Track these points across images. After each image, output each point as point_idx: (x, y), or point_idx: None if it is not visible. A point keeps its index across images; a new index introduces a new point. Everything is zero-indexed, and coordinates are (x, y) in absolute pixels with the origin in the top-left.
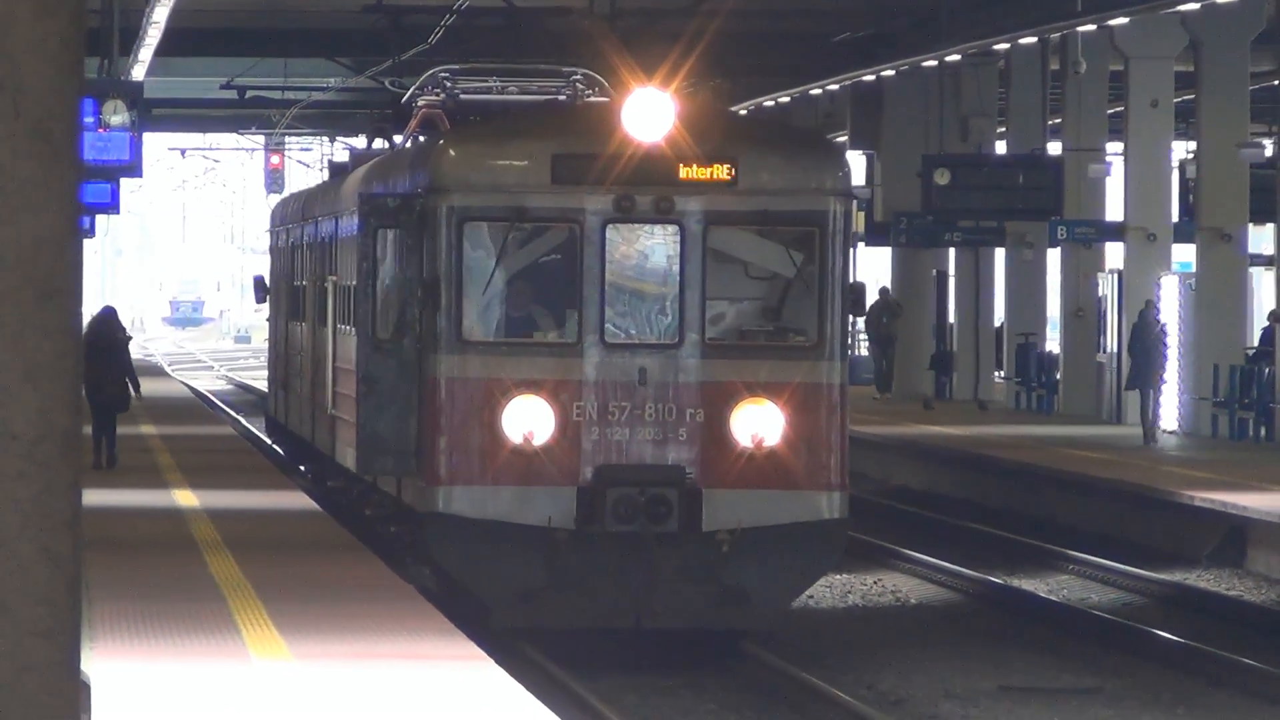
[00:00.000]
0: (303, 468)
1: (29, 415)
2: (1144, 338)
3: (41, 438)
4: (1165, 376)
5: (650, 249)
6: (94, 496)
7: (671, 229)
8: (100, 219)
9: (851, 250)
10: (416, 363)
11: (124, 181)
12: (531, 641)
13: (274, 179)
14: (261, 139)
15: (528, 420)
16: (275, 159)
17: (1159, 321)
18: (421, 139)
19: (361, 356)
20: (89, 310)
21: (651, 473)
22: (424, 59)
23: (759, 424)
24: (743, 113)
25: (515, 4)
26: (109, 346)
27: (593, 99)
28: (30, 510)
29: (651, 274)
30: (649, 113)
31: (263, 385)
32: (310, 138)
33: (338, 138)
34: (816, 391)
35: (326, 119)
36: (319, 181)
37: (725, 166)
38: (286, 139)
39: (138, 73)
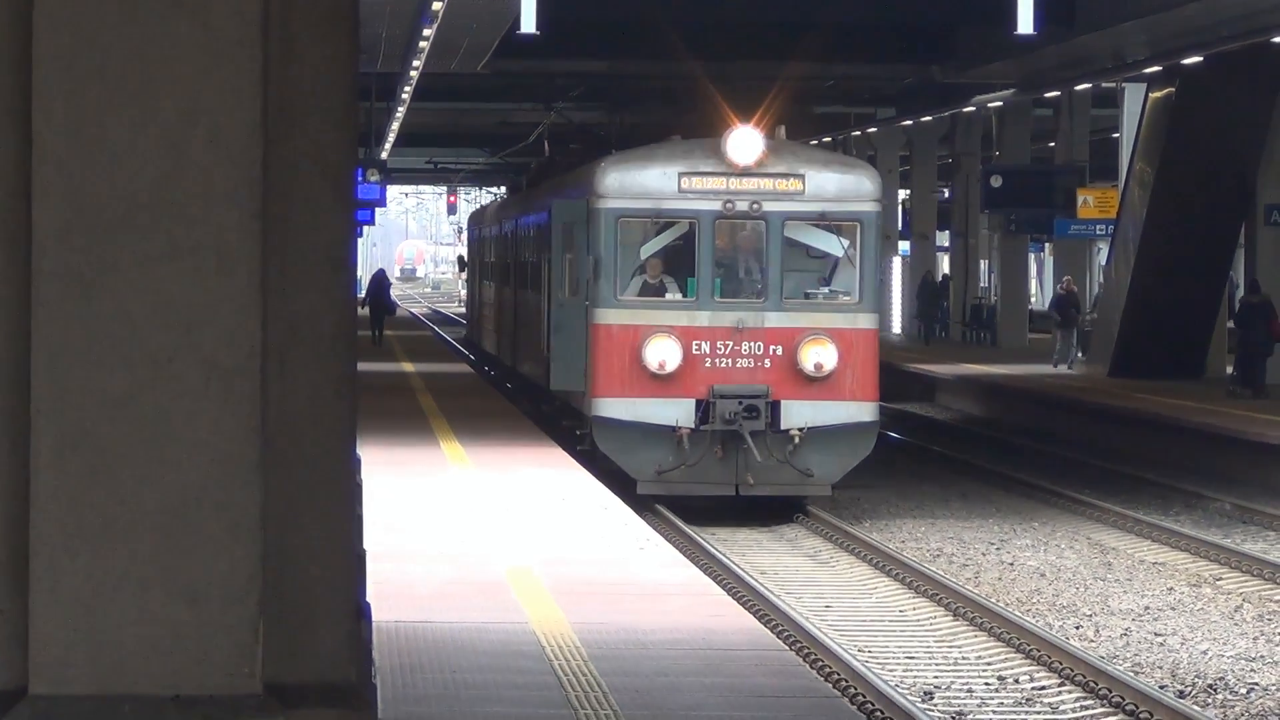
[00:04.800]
0: (486, 367)
1: (330, 326)
2: (926, 291)
3: (336, 335)
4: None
5: (745, 237)
6: (367, 364)
7: (759, 223)
8: (366, 229)
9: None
10: (585, 313)
11: (377, 210)
12: (663, 503)
13: (451, 208)
14: (445, 188)
15: (662, 353)
16: (451, 198)
17: (935, 282)
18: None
19: (552, 310)
20: (365, 272)
21: (747, 389)
22: (528, 148)
23: (819, 356)
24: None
25: (574, 121)
26: (380, 287)
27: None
28: (329, 371)
29: (746, 254)
30: (745, 144)
31: (447, 311)
32: (471, 188)
33: (485, 188)
34: (858, 334)
35: (477, 177)
36: (498, 199)
37: (796, 181)
38: (458, 188)
39: (384, 154)
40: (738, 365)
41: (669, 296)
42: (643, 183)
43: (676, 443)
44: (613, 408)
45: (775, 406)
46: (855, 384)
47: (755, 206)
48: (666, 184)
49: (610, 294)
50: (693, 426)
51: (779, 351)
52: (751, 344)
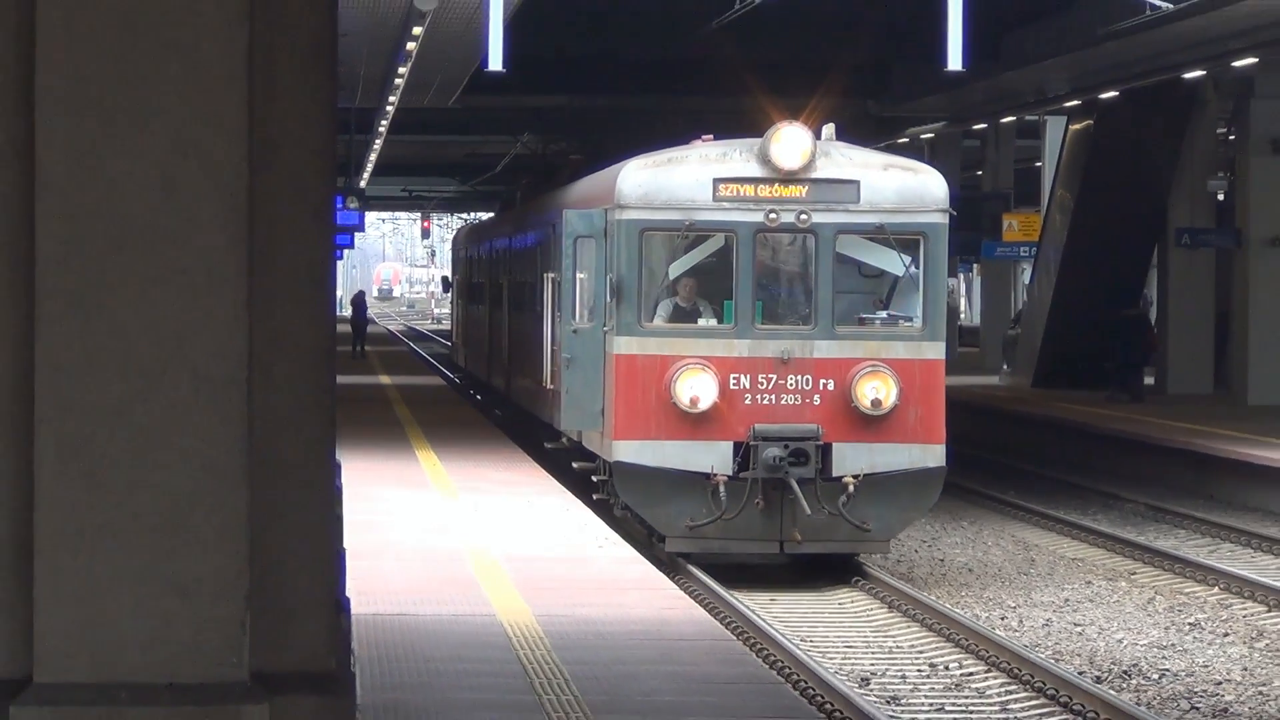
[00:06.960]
0: (472, 391)
1: (311, 340)
2: None
3: (317, 349)
4: None
5: (791, 253)
6: (347, 377)
7: (808, 237)
8: (346, 252)
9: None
10: (603, 342)
11: (356, 235)
12: (694, 562)
13: (425, 233)
14: (419, 214)
15: (695, 388)
16: (425, 223)
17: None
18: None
19: (563, 338)
20: (347, 292)
21: (793, 430)
22: (495, 177)
23: (877, 391)
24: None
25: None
26: (360, 304)
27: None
28: (309, 381)
29: (791, 273)
30: (792, 144)
31: (422, 328)
32: (444, 214)
33: (456, 214)
34: (922, 366)
35: (449, 204)
36: (487, 218)
37: (850, 187)
38: (431, 214)
39: (362, 183)
40: (782, 402)
41: (702, 323)
42: (671, 190)
43: (711, 492)
44: (636, 451)
45: (826, 450)
46: (919, 423)
47: (803, 218)
48: (699, 191)
49: (633, 320)
50: (730, 474)
51: (830, 386)
52: (798, 377)
